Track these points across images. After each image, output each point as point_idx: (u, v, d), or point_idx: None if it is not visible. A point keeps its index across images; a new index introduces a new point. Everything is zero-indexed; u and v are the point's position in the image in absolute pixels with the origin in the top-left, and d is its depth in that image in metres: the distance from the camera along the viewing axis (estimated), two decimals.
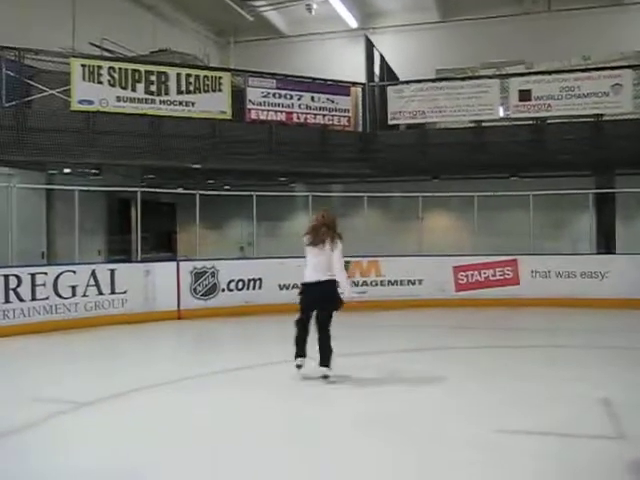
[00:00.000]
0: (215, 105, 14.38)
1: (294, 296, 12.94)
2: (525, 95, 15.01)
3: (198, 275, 12.58)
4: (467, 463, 4.30)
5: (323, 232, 6.75)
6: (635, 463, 4.19)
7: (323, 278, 6.64)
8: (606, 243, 14.97)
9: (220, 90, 14.48)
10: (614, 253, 14.55)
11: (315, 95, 15.32)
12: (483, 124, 15.32)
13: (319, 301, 6.67)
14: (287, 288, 13.20)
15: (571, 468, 4.21)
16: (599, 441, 4.75)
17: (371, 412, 5.68)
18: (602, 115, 14.92)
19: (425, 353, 8.62)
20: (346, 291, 6.82)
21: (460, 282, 13.88)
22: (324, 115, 15.38)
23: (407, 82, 16.14)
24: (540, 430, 4.99)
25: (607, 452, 4.47)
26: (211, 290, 12.70)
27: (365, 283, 13.70)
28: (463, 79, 16.05)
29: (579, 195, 15.00)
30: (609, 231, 15.18)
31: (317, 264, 6.67)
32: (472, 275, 13.89)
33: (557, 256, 14.06)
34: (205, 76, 14.47)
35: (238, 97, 14.64)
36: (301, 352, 6.81)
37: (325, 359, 6.56)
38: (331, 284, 6.68)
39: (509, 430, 4.99)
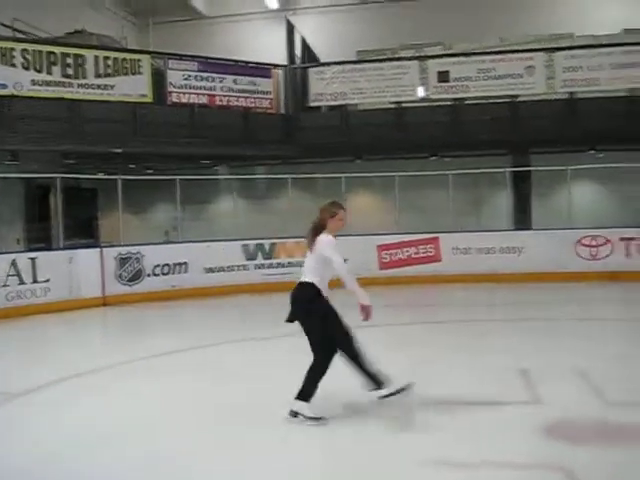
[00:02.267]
0: (135, 88, 14.45)
1: (220, 279, 13.29)
2: (443, 76, 15.66)
3: (123, 261, 12.71)
4: (398, 434, 4.64)
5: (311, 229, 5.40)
6: (549, 425, 4.58)
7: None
8: (523, 219, 15.78)
9: (140, 73, 14.54)
10: (530, 229, 15.35)
11: (237, 77, 15.59)
12: (403, 105, 15.84)
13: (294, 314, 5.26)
14: (213, 271, 13.48)
15: (491, 432, 4.58)
16: (519, 407, 5.15)
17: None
18: (517, 96, 15.67)
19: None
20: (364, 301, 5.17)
21: (384, 260, 14.42)
22: (246, 97, 15.65)
23: (328, 64, 16.59)
24: (466, 400, 5.36)
25: (526, 416, 4.86)
26: (136, 275, 12.85)
27: (291, 264, 14.06)
28: (383, 60, 16.54)
29: (497, 174, 15.76)
30: (525, 208, 16.03)
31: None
32: (395, 253, 14.44)
33: (477, 233, 14.74)
34: (124, 59, 14.51)
35: (159, 80, 14.71)
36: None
37: (301, 391, 5.04)
38: (301, 289, 5.30)
39: (433, 401, 5.34)
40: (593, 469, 3.77)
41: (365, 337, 8.28)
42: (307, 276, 5.25)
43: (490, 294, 12.66)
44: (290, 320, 5.23)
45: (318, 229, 5.28)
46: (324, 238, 5.21)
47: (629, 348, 7.25)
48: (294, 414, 4.96)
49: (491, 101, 15.83)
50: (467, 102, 15.94)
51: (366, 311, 5.15)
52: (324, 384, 5.00)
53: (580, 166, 15.15)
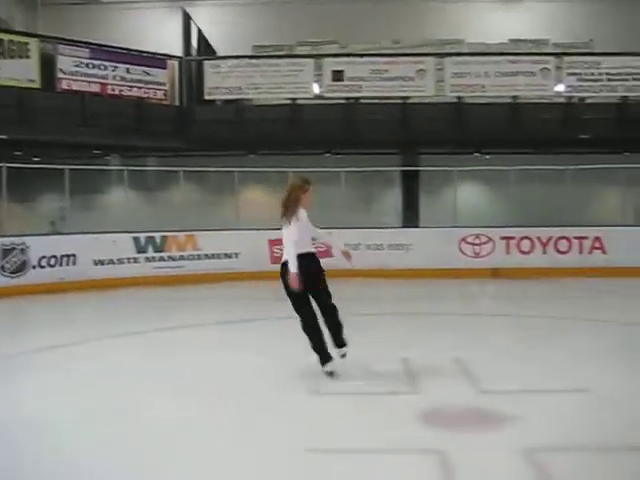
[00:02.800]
0: (22, 73, 14.01)
1: (110, 271, 13.09)
2: (338, 75, 16.00)
3: (6, 252, 12.33)
4: (273, 422, 4.77)
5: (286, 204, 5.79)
6: (426, 412, 4.85)
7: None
8: (411, 217, 16.35)
9: (27, 57, 14.08)
10: (418, 227, 15.92)
11: (131, 67, 15.37)
12: (298, 102, 16.06)
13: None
14: (103, 264, 13.28)
15: (370, 419, 4.81)
16: (399, 395, 5.40)
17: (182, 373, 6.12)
18: (408, 98, 16.20)
19: (240, 325, 9.07)
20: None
21: (275, 255, 14.56)
22: (140, 88, 15.47)
23: (224, 57, 16.63)
24: (352, 390, 5.60)
25: (405, 404, 5.11)
26: (20, 267, 12.50)
27: (182, 257, 14.06)
28: (279, 57, 16.71)
29: (387, 172, 16.23)
30: (414, 206, 16.60)
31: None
32: None
33: (367, 230, 15.11)
34: (10, 40, 14.04)
35: (48, 65, 14.30)
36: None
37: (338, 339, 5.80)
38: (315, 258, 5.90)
39: (323, 392, 5.56)
40: (464, 452, 4.06)
41: (255, 329, 8.46)
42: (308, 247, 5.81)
43: (378, 289, 13.04)
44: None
45: (294, 204, 5.72)
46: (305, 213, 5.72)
47: (507, 341, 7.70)
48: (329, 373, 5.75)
49: (383, 101, 16.29)
50: (361, 102, 16.31)
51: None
52: None
53: (466, 168, 15.89)
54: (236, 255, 14.43)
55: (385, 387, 5.61)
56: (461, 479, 3.68)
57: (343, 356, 5.92)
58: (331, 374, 5.77)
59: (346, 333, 6.01)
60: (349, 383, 5.74)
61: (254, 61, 16.42)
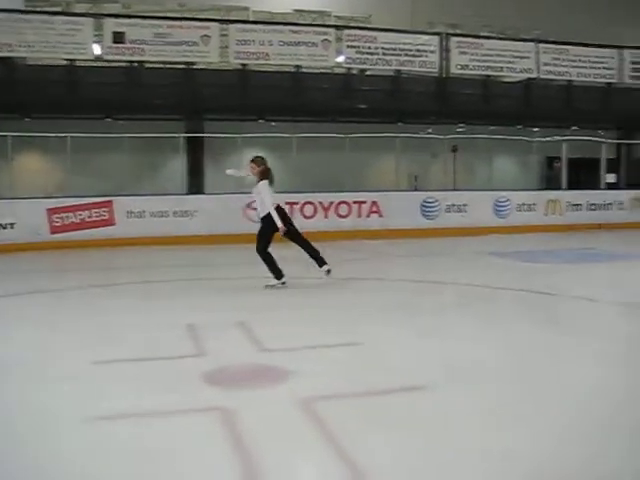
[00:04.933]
0: None
1: None
2: (119, 37, 15.56)
3: None
4: (63, 393, 4.63)
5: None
6: (212, 373, 4.93)
7: None
8: (196, 184, 16.39)
9: None
10: (203, 193, 15.99)
11: None
12: (77, 63, 15.41)
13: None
14: None
15: (153, 384, 4.80)
16: (186, 359, 5.41)
17: None
18: (193, 63, 16.14)
19: (21, 298, 8.66)
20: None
21: (55, 224, 14.05)
22: None
23: None
24: (134, 357, 5.52)
25: (192, 368, 5.11)
26: None
27: None
28: (54, 13, 15.90)
29: (171, 138, 16.10)
30: (199, 172, 16.66)
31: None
32: (67, 217, 14.14)
33: (151, 197, 14.96)
34: None
35: None
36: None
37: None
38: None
39: (105, 360, 5.43)
40: (245, 407, 4.23)
41: (30, 303, 8.09)
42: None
43: (165, 257, 12.94)
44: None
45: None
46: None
47: (291, 302, 7.95)
48: (271, 287, 8.45)
49: (167, 66, 16.11)
50: (144, 66, 16.00)
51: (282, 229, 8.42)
52: None
53: (250, 134, 16.19)
54: (12, 225, 13.65)
55: (169, 352, 5.66)
56: (243, 432, 3.85)
57: (328, 272, 8.65)
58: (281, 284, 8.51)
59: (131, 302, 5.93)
60: (132, 350, 5.74)
61: (26, 16, 15.46)
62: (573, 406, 4.29)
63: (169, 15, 16.99)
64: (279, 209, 8.53)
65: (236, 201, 14.85)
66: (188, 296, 8.48)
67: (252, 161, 8.88)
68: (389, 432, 3.82)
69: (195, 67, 16.18)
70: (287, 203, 14.91)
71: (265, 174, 8.64)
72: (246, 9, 19.01)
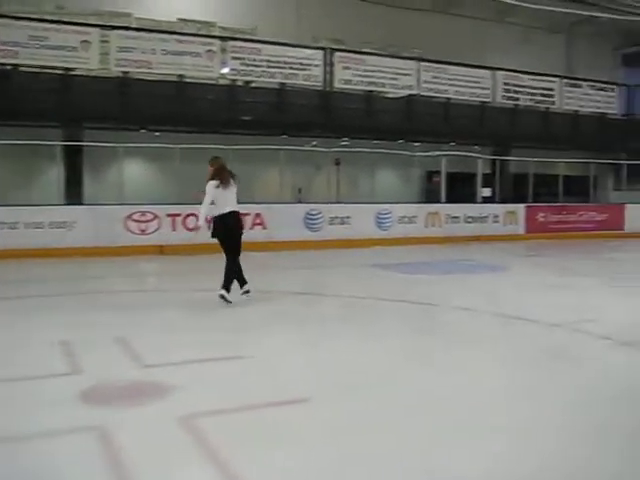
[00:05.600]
0: None
1: None
2: None
3: None
4: None
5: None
6: (86, 392, 4.75)
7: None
8: (74, 194, 15.84)
9: None
10: (82, 204, 15.49)
11: None
12: None
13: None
14: None
15: (24, 405, 4.59)
16: (60, 378, 5.21)
17: None
18: (72, 69, 15.61)
19: None
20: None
21: None
22: None
23: None
24: (4, 377, 5.22)
25: (66, 386, 4.92)
26: None
27: None
28: None
29: (48, 146, 15.50)
30: (77, 182, 16.11)
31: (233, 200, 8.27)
32: None
33: (26, 207, 14.34)
34: None
35: None
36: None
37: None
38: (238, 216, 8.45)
39: None
40: (124, 426, 4.10)
41: None
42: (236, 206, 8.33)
43: (40, 270, 12.44)
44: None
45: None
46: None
47: (172, 316, 7.86)
48: (221, 297, 8.10)
49: (44, 71, 15.53)
50: (19, 69, 15.35)
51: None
52: None
53: (131, 144, 15.84)
54: None
55: (42, 370, 5.41)
56: (121, 451, 3.74)
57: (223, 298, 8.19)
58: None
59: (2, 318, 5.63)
60: (3, 369, 5.44)
61: None
62: (442, 411, 4.48)
63: (46, 17, 16.31)
64: (232, 215, 8.30)
65: (117, 212, 14.53)
66: (64, 311, 8.17)
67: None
68: (273, 446, 3.85)
69: (74, 73, 15.65)
70: (169, 215, 14.79)
71: (214, 174, 8.28)
72: (129, 15, 18.62)
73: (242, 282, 8.45)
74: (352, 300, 8.82)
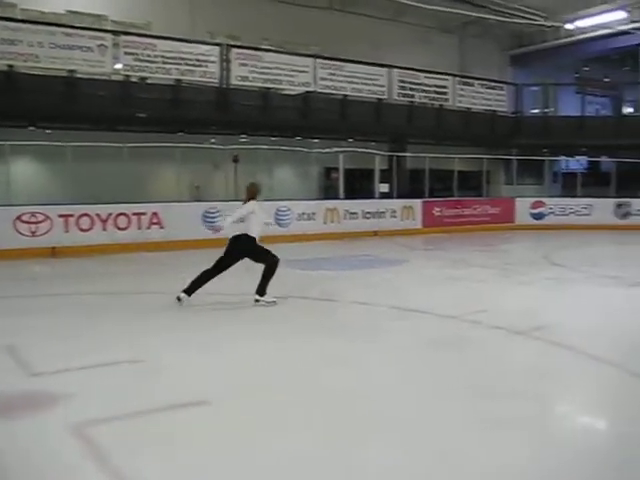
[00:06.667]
0: None
1: None
2: None
3: None
4: None
5: None
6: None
7: None
8: None
9: None
10: None
11: None
12: None
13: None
14: None
15: None
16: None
17: None
18: None
19: None
20: None
21: None
22: None
23: None
24: None
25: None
26: None
27: None
28: None
29: None
30: None
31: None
32: None
33: None
34: None
35: None
36: None
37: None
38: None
39: None
40: (11, 438, 3.98)
41: None
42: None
43: None
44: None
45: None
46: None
47: (64, 320, 7.63)
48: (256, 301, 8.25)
49: None
50: None
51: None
52: None
53: (20, 142, 15.26)
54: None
55: None
56: (11, 464, 3.60)
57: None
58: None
59: None
60: None
61: None
62: (339, 408, 4.58)
63: None
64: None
65: (4, 213, 13.97)
66: (5, 315, 7.86)
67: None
68: (169, 451, 3.84)
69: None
70: (61, 215, 14.33)
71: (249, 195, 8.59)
72: (13, 6, 17.84)
73: (191, 290, 8.30)
74: (250, 298, 8.80)
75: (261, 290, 8.30)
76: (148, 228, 15.45)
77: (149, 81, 17.27)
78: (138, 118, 16.89)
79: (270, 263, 8.27)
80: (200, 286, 8.23)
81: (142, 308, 8.36)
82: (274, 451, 3.84)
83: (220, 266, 8.28)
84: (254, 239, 8.31)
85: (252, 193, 8.53)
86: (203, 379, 5.31)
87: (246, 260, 8.41)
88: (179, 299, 8.14)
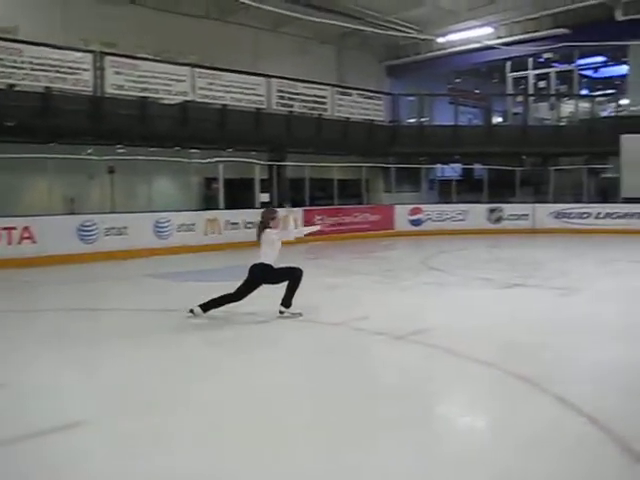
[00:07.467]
0: None
1: None
2: None
3: None
4: None
5: None
6: None
7: None
8: None
9: None
10: None
11: None
12: None
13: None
14: None
15: None
16: None
17: None
18: None
19: None
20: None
21: None
22: None
23: None
24: None
25: None
26: None
27: None
28: None
29: None
30: None
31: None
32: None
33: None
34: None
35: None
36: None
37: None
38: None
39: None
40: None
41: None
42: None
43: None
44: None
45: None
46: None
47: None
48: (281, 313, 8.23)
49: None
50: None
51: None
52: None
53: None
54: None
55: None
56: None
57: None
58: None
59: None
60: None
61: None
62: (217, 418, 4.57)
63: None
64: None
65: None
66: None
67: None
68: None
69: None
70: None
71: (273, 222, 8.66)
72: None
73: (208, 307, 8.25)
74: (124, 313, 8.62)
75: (287, 302, 8.25)
76: (19, 243, 14.80)
77: (17, 88, 16.55)
78: (6, 127, 16.15)
79: (295, 277, 8.28)
80: (217, 307, 8.21)
81: (11, 326, 8.07)
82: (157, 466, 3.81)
83: (239, 295, 8.24)
84: (271, 266, 8.29)
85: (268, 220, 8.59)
86: (80, 398, 5.22)
87: None
88: (192, 311, 8.12)
